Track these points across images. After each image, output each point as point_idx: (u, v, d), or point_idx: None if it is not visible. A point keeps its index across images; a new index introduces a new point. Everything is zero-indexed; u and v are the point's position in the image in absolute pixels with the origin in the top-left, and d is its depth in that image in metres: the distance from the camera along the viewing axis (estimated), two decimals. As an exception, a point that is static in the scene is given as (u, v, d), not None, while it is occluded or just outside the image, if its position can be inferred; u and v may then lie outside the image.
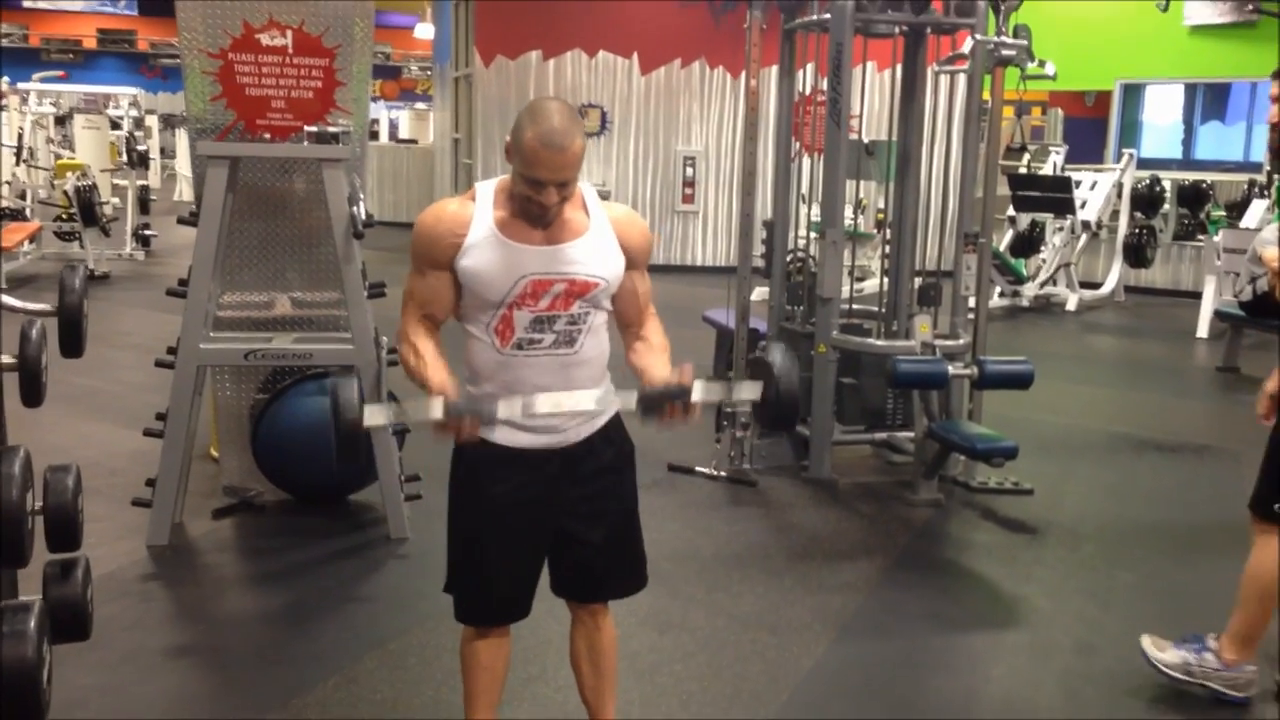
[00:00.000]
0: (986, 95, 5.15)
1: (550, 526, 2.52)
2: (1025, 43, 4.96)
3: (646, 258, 2.54)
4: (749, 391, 2.41)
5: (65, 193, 10.96)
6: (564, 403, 2.35)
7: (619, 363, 2.52)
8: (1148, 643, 3.40)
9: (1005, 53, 5.00)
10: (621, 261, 2.44)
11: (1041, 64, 4.90)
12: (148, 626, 3.64)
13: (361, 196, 4.43)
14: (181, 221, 4.36)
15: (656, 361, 2.45)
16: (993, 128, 5.27)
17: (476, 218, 2.36)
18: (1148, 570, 4.36)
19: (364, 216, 4.24)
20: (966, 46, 4.98)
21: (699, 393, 2.26)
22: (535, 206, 2.31)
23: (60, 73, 22.75)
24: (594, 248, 2.40)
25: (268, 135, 4.46)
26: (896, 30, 5.43)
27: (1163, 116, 17.25)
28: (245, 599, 3.98)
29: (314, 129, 4.24)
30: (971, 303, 5.29)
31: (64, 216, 11.35)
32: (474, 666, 2.61)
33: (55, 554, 2.55)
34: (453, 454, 2.49)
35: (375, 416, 2.29)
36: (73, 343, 2.38)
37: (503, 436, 2.44)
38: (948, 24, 5.34)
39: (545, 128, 2.24)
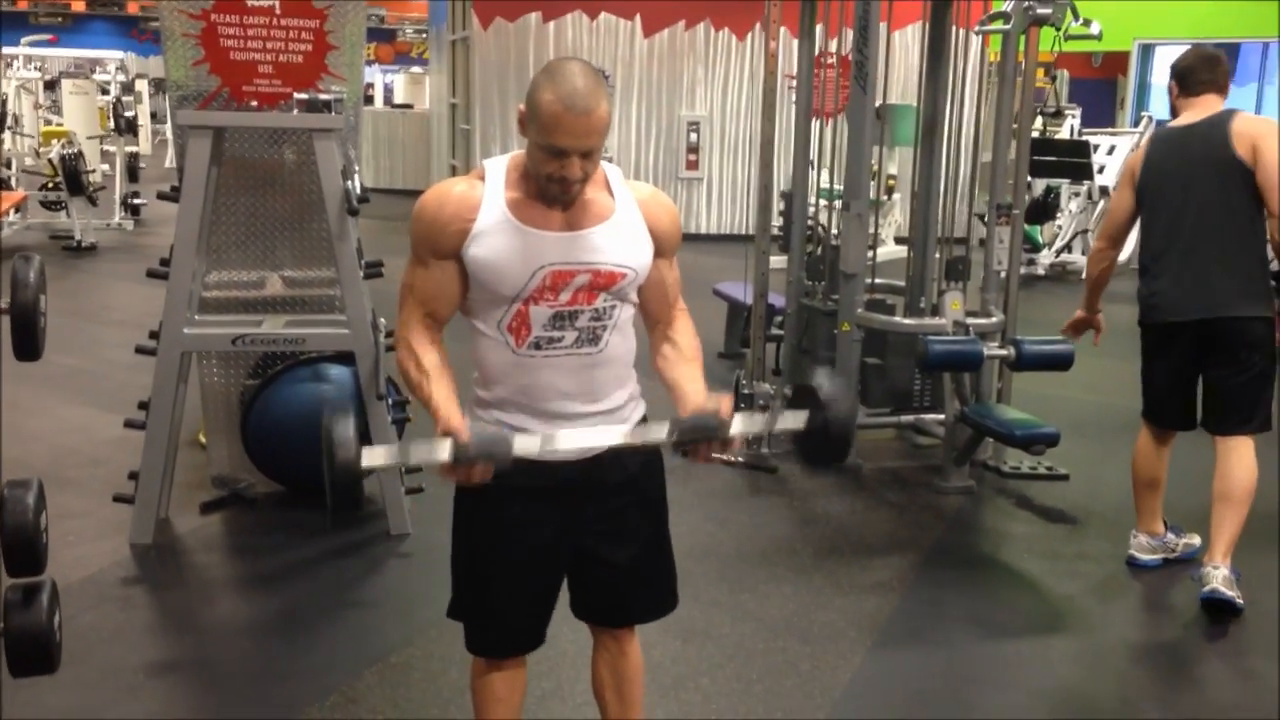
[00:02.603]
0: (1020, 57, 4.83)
1: (569, 545, 2.24)
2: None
3: (676, 244, 2.23)
4: (793, 421, 2.13)
5: (50, 161, 10.62)
6: (589, 439, 2.09)
7: (644, 359, 2.23)
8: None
9: (1041, 10, 4.67)
10: (650, 249, 2.14)
11: (1087, 23, 4.56)
12: (129, 638, 3.35)
13: (356, 169, 4.12)
14: (162, 197, 4.04)
15: (688, 376, 2.15)
16: (1025, 91, 4.95)
17: (487, 199, 2.06)
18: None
19: (359, 191, 3.93)
20: (1007, 5, 4.65)
21: (738, 426, 2.03)
22: (556, 184, 2.01)
23: (50, 37, 22.35)
24: (621, 233, 2.10)
25: (254, 103, 4.14)
26: (924, -13, 5.09)
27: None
28: (235, 605, 3.70)
29: (304, 96, 3.93)
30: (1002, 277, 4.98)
31: (50, 185, 11.01)
32: (488, 700, 2.34)
33: (17, 579, 2.26)
34: None
35: (374, 458, 2.00)
36: (28, 344, 2.08)
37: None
38: (979, -20, 5.01)
39: (567, 89, 1.95)
